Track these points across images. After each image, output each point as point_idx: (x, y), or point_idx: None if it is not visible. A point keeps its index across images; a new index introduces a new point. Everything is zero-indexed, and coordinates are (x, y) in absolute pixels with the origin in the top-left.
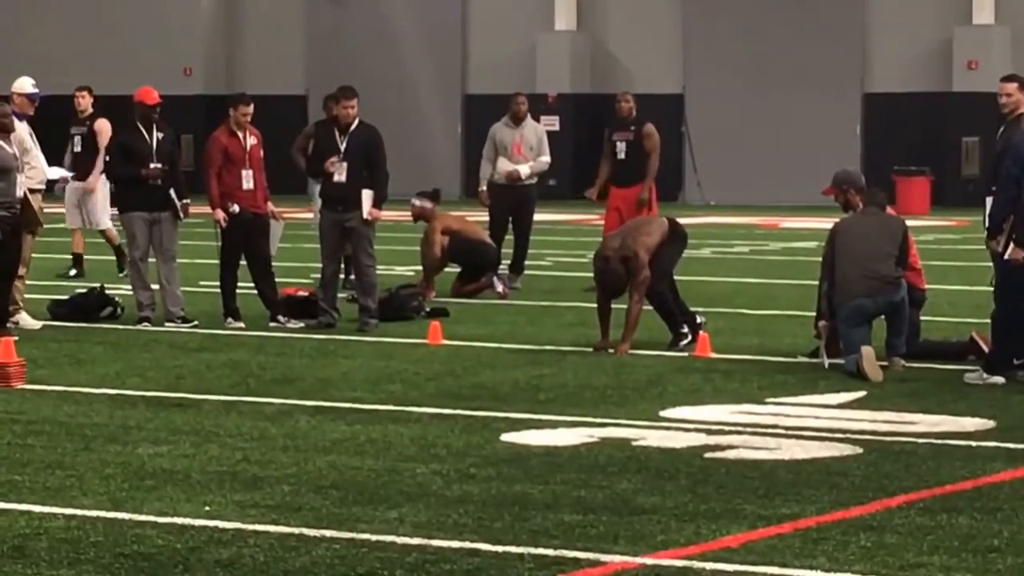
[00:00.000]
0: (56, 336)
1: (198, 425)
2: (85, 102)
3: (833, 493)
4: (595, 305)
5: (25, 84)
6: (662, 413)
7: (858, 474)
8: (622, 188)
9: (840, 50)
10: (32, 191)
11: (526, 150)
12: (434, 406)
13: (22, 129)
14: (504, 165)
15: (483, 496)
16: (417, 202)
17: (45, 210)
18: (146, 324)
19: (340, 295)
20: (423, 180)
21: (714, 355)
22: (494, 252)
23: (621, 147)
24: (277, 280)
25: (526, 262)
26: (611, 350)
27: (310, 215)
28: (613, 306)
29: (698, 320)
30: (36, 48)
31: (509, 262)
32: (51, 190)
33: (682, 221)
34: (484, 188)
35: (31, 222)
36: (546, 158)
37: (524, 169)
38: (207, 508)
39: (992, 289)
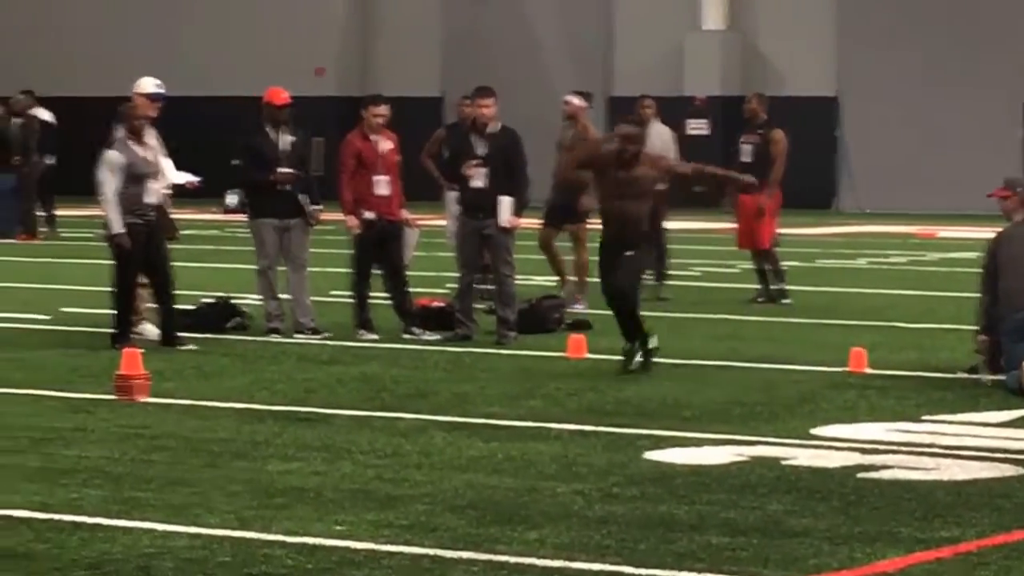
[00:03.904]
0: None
1: (329, 441)
2: None
3: (995, 516)
4: (744, 318)
5: (147, 84)
6: (814, 431)
7: (1021, 496)
8: (745, 193)
9: (1002, 51)
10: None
11: None
12: (575, 422)
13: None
14: None
15: (627, 517)
16: (576, 100)
17: (172, 215)
18: (275, 335)
19: (477, 306)
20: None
21: (869, 370)
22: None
23: (746, 150)
24: (411, 290)
25: (669, 272)
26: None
27: (445, 222)
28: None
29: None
30: (165, 48)
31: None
32: (179, 195)
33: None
34: None
35: (168, 229)
36: None
37: None
38: (339, 528)
39: None
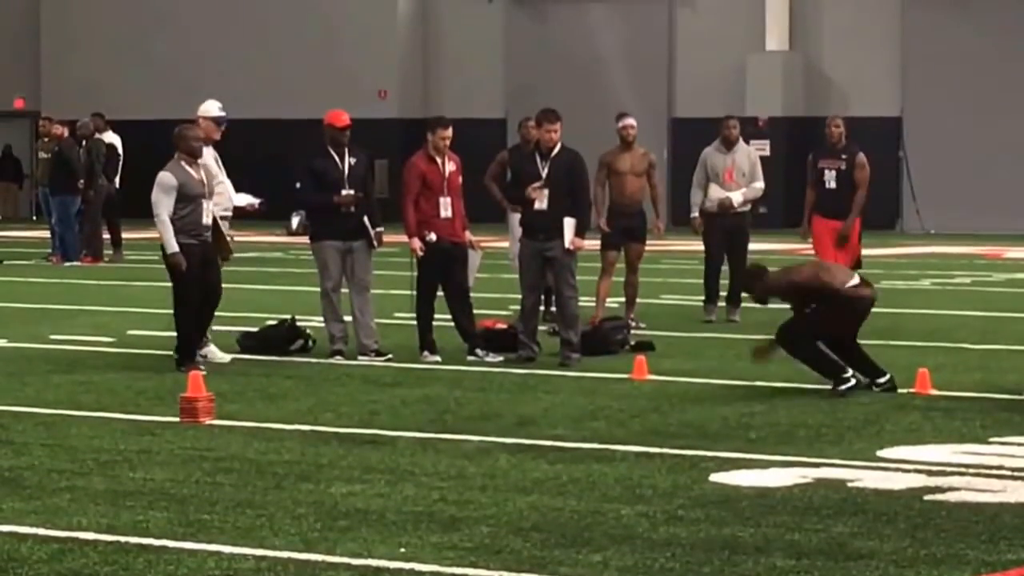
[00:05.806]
0: (245, 370)
1: (393, 463)
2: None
3: None
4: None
5: (211, 108)
6: (879, 453)
7: None
8: (832, 220)
9: None
10: (220, 218)
11: (738, 176)
12: (639, 444)
13: (208, 154)
14: (716, 192)
15: (691, 539)
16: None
17: (235, 238)
18: (339, 357)
19: (541, 328)
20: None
21: (934, 392)
22: None
23: (830, 176)
24: (475, 312)
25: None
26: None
27: (507, 244)
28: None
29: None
30: (229, 72)
31: (725, 294)
32: (242, 217)
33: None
34: (696, 215)
35: (221, 250)
36: (760, 184)
37: (737, 196)
38: (403, 550)
39: None
